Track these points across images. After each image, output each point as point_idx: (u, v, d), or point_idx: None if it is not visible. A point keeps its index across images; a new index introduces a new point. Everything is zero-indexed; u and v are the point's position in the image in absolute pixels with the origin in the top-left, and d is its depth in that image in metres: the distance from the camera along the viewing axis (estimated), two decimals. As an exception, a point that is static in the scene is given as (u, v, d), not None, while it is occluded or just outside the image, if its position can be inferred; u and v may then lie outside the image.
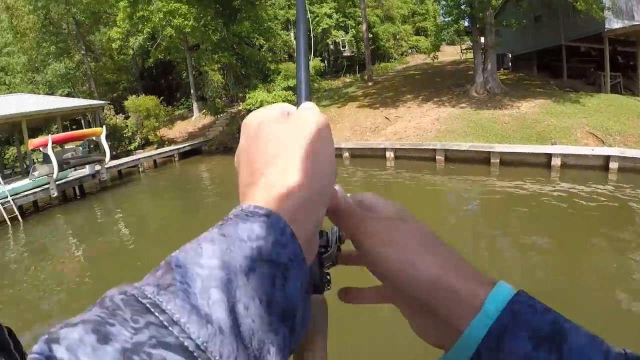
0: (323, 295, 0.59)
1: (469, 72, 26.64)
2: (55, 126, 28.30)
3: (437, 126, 20.27)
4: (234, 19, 26.73)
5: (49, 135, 18.80)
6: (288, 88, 26.34)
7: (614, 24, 21.87)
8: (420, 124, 21.12)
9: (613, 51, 23.17)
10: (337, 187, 0.60)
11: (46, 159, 17.84)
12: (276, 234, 0.39)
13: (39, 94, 35.18)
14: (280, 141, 0.48)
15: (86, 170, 20.20)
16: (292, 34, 38.10)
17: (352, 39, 38.56)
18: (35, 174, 18.03)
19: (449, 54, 41.30)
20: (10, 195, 16.56)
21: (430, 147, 17.94)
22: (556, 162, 15.09)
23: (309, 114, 0.52)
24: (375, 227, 0.56)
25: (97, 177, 20.48)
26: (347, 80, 37.66)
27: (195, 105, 37.00)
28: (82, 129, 28.25)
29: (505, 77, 27.28)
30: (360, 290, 0.66)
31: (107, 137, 24.08)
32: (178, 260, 0.36)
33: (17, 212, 16.44)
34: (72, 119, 35.11)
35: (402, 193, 14.62)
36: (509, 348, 0.43)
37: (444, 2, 26.47)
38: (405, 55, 46.31)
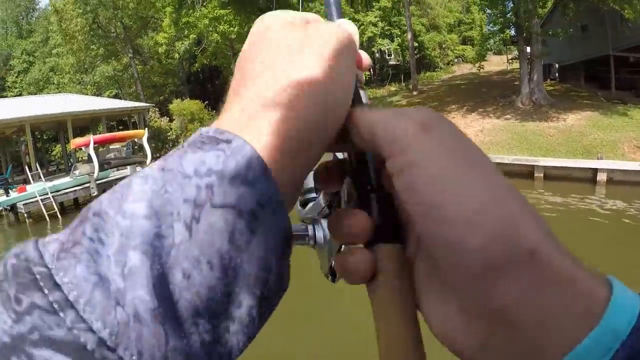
0: None
1: (515, 83, 26.44)
2: (101, 126, 29.13)
3: (480, 138, 20.18)
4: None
5: (91, 135, 19.46)
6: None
7: (665, 33, 21.49)
8: (463, 135, 21.06)
9: (665, 61, 22.76)
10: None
11: (89, 159, 18.39)
12: (239, 168, 0.29)
13: (87, 94, 36.51)
14: (281, 49, 0.37)
15: (127, 171, 20.29)
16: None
17: (398, 47, 38.60)
18: (77, 172, 18.65)
19: (496, 63, 40.97)
20: (51, 192, 17.16)
21: (474, 159, 17.82)
22: (602, 177, 14.86)
23: (331, 27, 0.40)
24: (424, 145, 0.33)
25: None
26: (392, 89, 37.66)
27: (241, 109, 37.25)
28: (129, 129, 29.17)
29: (551, 87, 26.96)
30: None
31: (151, 139, 24.57)
32: (100, 204, 0.27)
33: (56, 209, 17.02)
34: (118, 120, 36.11)
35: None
36: None
37: (489, 11, 26.36)
38: (452, 64, 46.15)
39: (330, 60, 0.36)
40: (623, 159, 16.03)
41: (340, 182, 0.44)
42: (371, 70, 41.11)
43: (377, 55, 41.91)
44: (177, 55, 36.85)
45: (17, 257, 0.24)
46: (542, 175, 16.04)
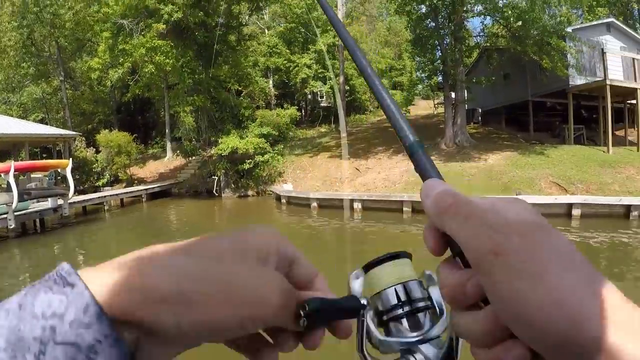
0: None
1: (441, 126, 27.07)
2: (23, 153, 27.43)
3: (405, 178, 20.40)
4: (214, 62, 26.78)
5: (12, 161, 18.29)
6: (262, 135, 26.15)
7: (577, 80, 22.74)
8: (389, 175, 21.29)
9: (577, 105, 24.03)
10: (434, 181, 0.49)
11: (8, 187, 16.85)
12: (77, 312, 0.31)
13: (12, 115, 34.07)
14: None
15: (48, 204, 19.27)
16: (270, 82, 38.62)
17: (330, 90, 39.01)
18: (-7, 201, 17.23)
19: (423, 107, 42.07)
20: (-39, 222, 15.70)
21: (398, 199, 17.96)
22: None
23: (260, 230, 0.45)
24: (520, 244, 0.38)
25: (58, 212, 19.40)
26: (322, 130, 37.92)
27: (169, 145, 36.64)
28: (53, 158, 27.89)
29: (475, 130, 27.81)
30: None
31: (75, 171, 23.43)
32: None
33: (-33, 240, 15.47)
34: (42, 147, 34.47)
35: (369, 242, 14.62)
36: None
37: (418, 59, 27.08)
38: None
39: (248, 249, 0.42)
40: (540, 194, 16.57)
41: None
42: (303, 111, 41.48)
43: (309, 96, 42.30)
44: (109, 83, 35.90)
45: None
46: (463, 212, 16.13)
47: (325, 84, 39.10)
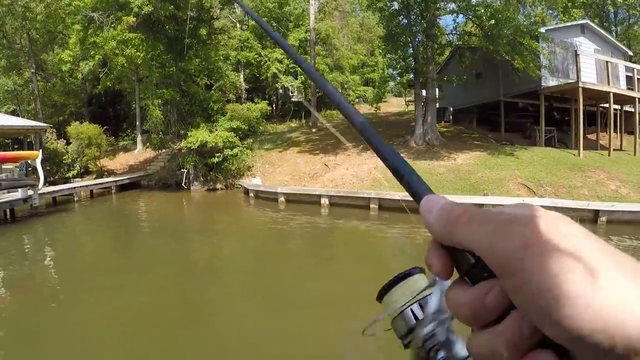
0: None
1: (411, 124, 26.85)
2: None
3: (373, 175, 20.17)
4: (184, 55, 26.36)
5: None
6: (231, 129, 25.96)
7: (550, 81, 22.71)
8: (357, 172, 20.99)
9: (549, 107, 23.97)
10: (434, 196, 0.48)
11: None
12: None
13: None
14: None
15: (18, 194, 19.05)
16: (241, 76, 38.12)
17: (301, 85, 38.64)
18: (-37, 192, 17.21)
19: (395, 105, 41.94)
20: None
21: (365, 196, 17.69)
22: None
23: None
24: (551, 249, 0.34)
25: (28, 202, 19.27)
26: (293, 125, 37.68)
27: (139, 137, 36.46)
28: (24, 149, 27.59)
29: (445, 129, 27.69)
30: None
31: (46, 162, 23.11)
32: None
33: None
34: (14, 138, 34.06)
35: (335, 239, 14.48)
36: None
37: (390, 55, 26.77)
38: (352, 104, 45.98)
39: None
40: (508, 195, 16.45)
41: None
42: (274, 105, 41.14)
43: (280, 91, 41.92)
44: (80, 76, 35.47)
45: None
46: (430, 210, 15.91)
47: (296, 78, 38.66)
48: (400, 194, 17.12)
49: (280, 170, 24.33)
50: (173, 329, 7.30)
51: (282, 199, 20.05)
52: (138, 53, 25.56)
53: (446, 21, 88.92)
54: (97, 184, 26.27)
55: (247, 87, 39.05)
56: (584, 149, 20.62)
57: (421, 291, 0.53)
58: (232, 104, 30.34)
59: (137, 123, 36.35)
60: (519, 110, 27.52)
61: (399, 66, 26.09)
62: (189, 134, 25.33)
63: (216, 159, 25.07)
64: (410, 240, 13.51)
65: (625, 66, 24.32)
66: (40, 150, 20.93)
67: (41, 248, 14.61)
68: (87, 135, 29.05)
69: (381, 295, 0.56)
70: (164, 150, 30.65)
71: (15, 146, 35.20)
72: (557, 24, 29.40)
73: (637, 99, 22.39)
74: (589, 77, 22.04)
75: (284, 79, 38.16)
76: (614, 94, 21.10)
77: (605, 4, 39.34)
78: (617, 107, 23.86)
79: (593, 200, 15.21)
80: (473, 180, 17.96)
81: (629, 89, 23.48)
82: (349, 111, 0.66)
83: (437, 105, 25.86)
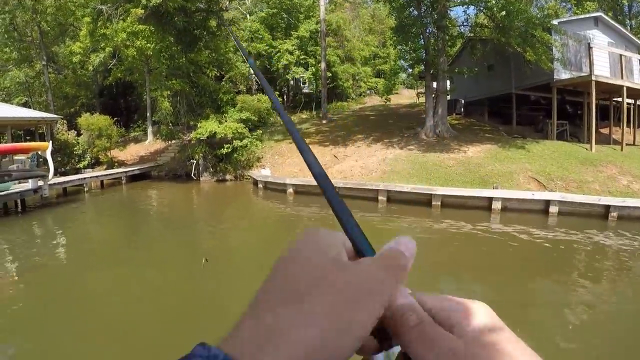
0: None
1: (422, 116, 26.72)
2: (6, 136, 27.36)
3: (382, 167, 20.11)
4: (193, 47, 26.36)
5: None
6: (241, 120, 25.98)
7: (562, 74, 22.43)
8: (366, 164, 20.90)
9: (562, 100, 23.71)
10: (403, 290, 0.47)
11: None
12: None
13: None
14: (319, 284, 0.41)
15: (28, 185, 19.24)
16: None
17: (312, 76, 38.49)
18: (-27, 183, 17.35)
19: (407, 97, 41.73)
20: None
21: (373, 188, 17.60)
22: (497, 205, 15.08)
23: (374, 274, 0.44)
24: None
25: (38, 193, 19.44)
26: (304, 116, 37.55)
27: (150, 129, 36.64)
28: (35, 141, 27.71)
29: (456, 121, 27.51)
30: None
31: (57, 153, 23.20)
32: None
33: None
34: (26, 130, 34.33)
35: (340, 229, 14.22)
36: None
37: (400, 47, 26.60)
38: (364, 95, 46.58)
39: (361, 306, 0.41)
40: (518, 188, 16.29)
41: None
42: (284, 96, 41.06)
43: (291, 82, 41.78)
44: (91, 67, 35.90)
45: None
46: (439, 203, 15.96)
47: (307, 70, 38.52)
48: (409, 186, 17.10)
49: (290, 161, 24.31)
50: (182, 318, 7.30)
51: (290, 190, 20.05)
52: (148, 45, 25.61)
53: (457, 12, 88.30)
54: (107, 175, 26.40)
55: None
56: (596, 143, 20.33)
57: None
58: (242, 95, 30.32)
59: (148, 114, 36.48)
60: (530, 103, 27.26)
61: (409, 58, 26.01)
62: (198, 125, 25.35)
63: (225, 150, 25.06)
64: (418, 232, 13.42)
65: (640, 59, 24.03)
66: (50, 142, 21.00)
67: (51, 238, 14.60)
68: (98, 126, 29.38)
69: None
70: (174, 141, 30.70)
71: (28, 137, 35.42)
72: (570, 16, 29.04)
73: (652, 94, 22.16)
74: (602, 70, 21.76)
75: (295, 70, 38.03)
76: (628, 87, 20.76)
77: (619, -3, 38.92)
78: (631, 101, 23.50)
79: (604, 196, 15.03)
80: (483, 173, 17.81)
81: (643, 82, 23.20)
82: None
83: (449, 97, 25.72)
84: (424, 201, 16.33)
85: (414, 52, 25.05)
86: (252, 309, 0.41)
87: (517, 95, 25.66)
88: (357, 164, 21.13)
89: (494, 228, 13.28)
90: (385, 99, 29.32)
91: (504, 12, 21.37)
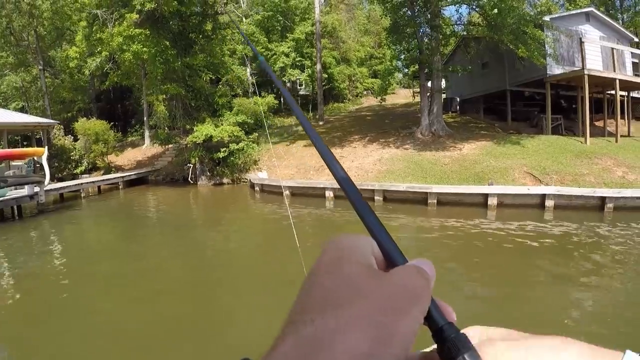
0: None
1: (418, 115, 26.78)
2: (2, 141, 27.35)
3: (378, 167, 20.22)
4: (189, 50, 26.42)
5: None
6: (237, 123, 26.04)
7: (555, 69, 22.60)
8: (362, 164, 20.98)
9: (556, 95, 23.88)
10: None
11: None
12: None
13: None
14: (357, 293, 0.39)
15: (25, 191, 19.13)
16: (247, 70, 38.14)
17: (308, 78, 38.64)
18: (-32, 189, 17.31)
19: (403, 96, 41.79)
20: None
21: (369, 188, 17.64)
22: (493, 201, 15.12)
23: (413, 281, 0.42)
24: None
25: (35, 199, 19.33)
26: (300, 119, 37.50)
27: (147, 133, 36.71)
28: (32, 146, 27.69)
29: (452, 119, 27.64)
30: None
31: (54, 158, 23.11)
32: None
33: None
34: (23, 135, 34.41)
35: (340, 230, 14.24)
36: None
37: (394, 47, 26.70)
38: (360, 96, 46.75)
39: (403, 313, 0.38)
40: (513, 184, 16.30)
41: None
42: (281, 99, 41.27)
43: (288, 85, 41.90)
44: (87, 72, 35.71)
45: None
46: (435, 201, 16.01)
47: (303, 72, 38.64)
48: (405, 185, 17.18)
49: (287, 163, 24.34)
50: (181, 323, 7.29)
51: (287, 192, 20.04)
52: (144, 49, 25.67)
53: (450, 11, 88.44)
54: (104, 180, 26.45)
55: (253, 81, 39.08)
56: (591, 136, 20.41)
57: None
58: (239, 98, 30.38)
59: (145, 118, 36.55)
60: (525, 99, 27.48)
61: (404, 58, 26.10)
62: (194, 129, 25.39)
63: (222, 153, 25.15)
64: (415, 230, 13.49)
65: (632, 52, 24.15)
66: (46, 147, 21.04)
67: (47, 245, 14.58)
68: (94, 131, 29.40)
69: None
70: (171, 146, 30.79)
71: (25, 142, 35.51)
72: (562, 12, 29.20)
73: (644, 85, 22.31)
74: (595, 64, 21.88)
75: (291, 72, 38.16)
76: (620, 80, 20.88)
77: (611, -8, 39.15)
78: (624, 93, 23.65)
79: (599, 187, 15.06)
80: (478, 170, 17.84)
81: (635, 75, 23.34)
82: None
83: (444, 95, 25.83)
84: (420, 199, 16.40)
85: (408, 51, 25.15)
86: (290, 322, 0.39)
87: (512, 92, 25.82)
88: (353, 165, 21.18)
89: (490, 224, 13.29)
90: (381, 99, 29.41)
91: (495, 10, 21.47)
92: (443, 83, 25.72)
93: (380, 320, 0.37)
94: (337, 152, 23.84)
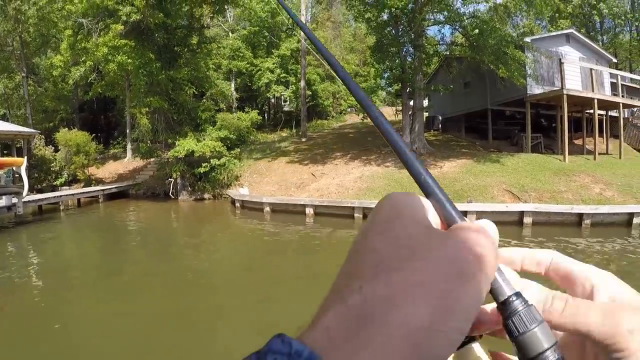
0: None
1: (401, 133, 26.87)
2: None
3: (359, 184, 20.23)
4: (173, 63, 26.27)
5: None
6: (220, 139, 25.90)
7: (535, 89, 22.92)
8: (343, 181, 20.97)
9: (537, 114, 24.24)
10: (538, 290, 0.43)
11: None
12: None
13: None
14: (414, 255, 0.34)
15: (2, 202, 18.75)
16: (232, 85, 38.26)
17: (292, 94, 38.71)
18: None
19: (387, 114, 41.82)
20: None
21: (349, 205, 17.64)
22: (471, 218, 14.73)
23: (478, 241, 0.35)
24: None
25: (12, 210, 19.03)
26: (283, 134, 37.74)
27: (129, 146, 36.28)
28: (13, 155, 27.31)
29: (434, 138, 27.81)
30: None
31: (33, 169, 22.70)
32: None
33: None
34: (3, 143, 34.03)
35: (318, 247, 14.36)
36: None
37: (378, 65, 26.86)
38: (344, 113, 46.89)
39: (466, 277, 0.33)
40: (493, 201, 16.41)
41: None
42: (265, 115, 41.31)
43: (272, 101, 41.98)
44: (71, 81, 35.20)
45: None
46: (413, 218, 15.91)
47: (287, 88, 38.72)
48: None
49: (268, 180, 24.29)
50: (159, 340, 7.19)
51: (267, 209, 19.99)
52: (129, 60, 25.51)
53: (434, 31, 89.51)
54: (84, 193, 26.15)
55: (238, 96, 39.04)
56: (570, 154, 20.74)
57: None
58: (222, 113, 30.31)
59: (128, 131, 36.19)
60: (506, 118, 27.81)
61: (387, 76, 26.28)
62: (176, 143, 25.19)
63: (203, 168, 24.94)
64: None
65: (610, 73, 24.54)
66: (26, 157, 20.72)
67: (23, 258, 14.32)
68: (76, 142, 29.05)
69: None
70: (153, 160, 30.47)
71: (5, 152, 35.14)
72: (543, 34, 29.68)
73: (621, 104, 22.66)
74: (574, 84, 22.26)
75: (276, 88, 38.21)
76: (598, 99, 21.27)
77: (591, 15, 39.92)
78: (603, 112, 24.06)
79: (577, 204, 15.23)
80: (458, 187, 17.93)
81: (613, 94, 23.67)
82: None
83: (427, 114, 26.00)
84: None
85: (392, 70, 25.32)
86: (335, 290, 0.34)
87: (493, 111, 26.12)
88: (334, 182, 21.18)
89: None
90: (363, 117, 29.47)
91: (477, 31, 21.75)
92: (425, 102, 25.96)
93: (443, 287, 0.32)
94: (319, 168, 23.87)
